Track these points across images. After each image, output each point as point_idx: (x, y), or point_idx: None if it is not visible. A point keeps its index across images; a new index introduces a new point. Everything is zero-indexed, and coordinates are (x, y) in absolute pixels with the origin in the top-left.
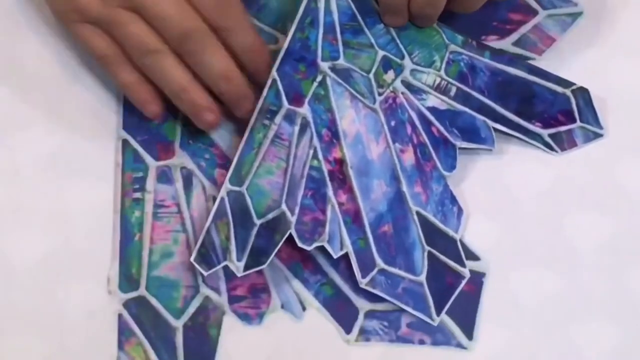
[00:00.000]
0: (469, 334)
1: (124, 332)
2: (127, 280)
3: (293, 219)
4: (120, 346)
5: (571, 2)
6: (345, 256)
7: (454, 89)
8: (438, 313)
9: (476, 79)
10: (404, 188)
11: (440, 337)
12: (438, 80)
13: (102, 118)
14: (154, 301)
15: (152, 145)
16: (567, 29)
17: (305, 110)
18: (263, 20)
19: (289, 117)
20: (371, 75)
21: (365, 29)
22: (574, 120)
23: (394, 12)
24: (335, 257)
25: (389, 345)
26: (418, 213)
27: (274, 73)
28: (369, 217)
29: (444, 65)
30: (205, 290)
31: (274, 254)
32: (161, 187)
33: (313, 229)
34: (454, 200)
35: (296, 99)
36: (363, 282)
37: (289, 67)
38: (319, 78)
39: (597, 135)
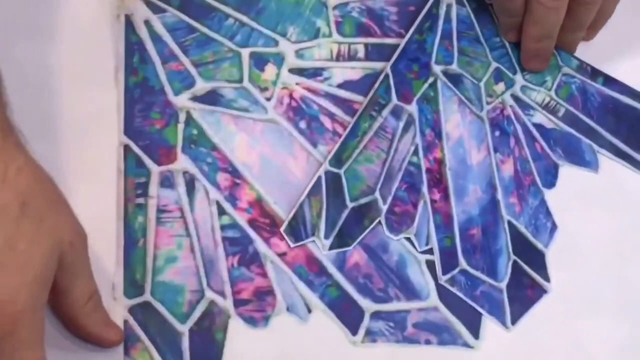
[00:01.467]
0: (475, 333)
1: (129, 338)
2: (132, 286)
3: (384, 207)
4: (127, 352)
5: None
6: (352, 258)
7: (562, 110)
8: (513, 322)
9: (586, 103)
10: (499, 196)
11: (446, 337)
12: (548, 99)
13: (104, 123)
14: (159, 306)
15: (154, 150)
16: None
17: (412, 108)
18: (262, 24)
19: (396, 112)
20: (482, 84)
21: (482, 39)
22: None
23: (538, 58)
24: (419, 250)
25: (395, 346)
26: (510, 223)
27: (388, 69)
28: (459, 219)
29: (555, 86)
30: (210, 295)
31: (360, 238)
32: (164, 192)
33: (402, 221)
34: (548, 215)
35: (405, 96)
36: (443, 279)
37: (403, 65)
38: (431, 80)
39: None
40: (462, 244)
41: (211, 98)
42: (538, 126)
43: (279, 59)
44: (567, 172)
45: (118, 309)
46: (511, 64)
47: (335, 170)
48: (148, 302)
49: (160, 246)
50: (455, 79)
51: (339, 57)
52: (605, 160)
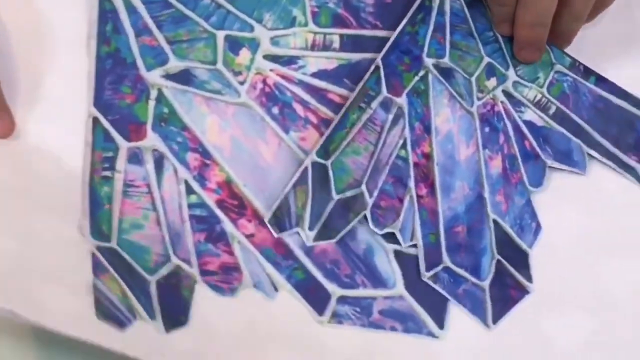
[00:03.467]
0: (440, 324)
1: (98, 267)
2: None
3: (370, 201)
4: (96, 275)
5: None
6: (320, 244)
7: (553, 108)
8: (494, 321)
9: (577, 102)
10: (486, 194)
11: (411, 325)
12: (539, 96)
13: (74, 94)
14: (126, 256)
15: (123, 125)
16: None
17: (402, 100)
18: (238, 7)
19: (385, 105)
20: (473, 79)
21: (475, 34)
22: None
23: (530, 47)
24: (403, 245)
25: (361, 329)
26: (495, 221)
27: (379, 60)
28: (445, 215)
29: (547, 83)
30: (176, 261)
31: (345, 231)
32: (131, 167)
33: (387, 215)
34: (534, 215)
35: (395, 89)
36: (426, 275)
37: (394, 57)
38: (422, 73)
39: None
40: (446, 241)
41: (184, 77)
42: (528, 123)
43: (254, 45)
44: (555, 172)
45: (85, 244)
46: (504, 60)
47: (322, 161)
48: (114, 249)
49: (126, 214)
50: (446, 73)
51: (314, 47)
52: (594, 161)
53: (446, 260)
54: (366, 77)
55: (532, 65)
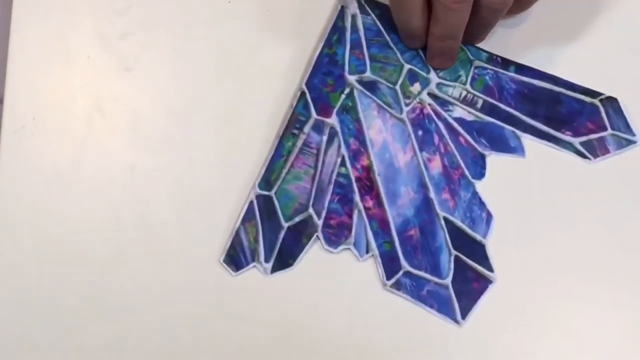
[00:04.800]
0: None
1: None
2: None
3: (320, 222)
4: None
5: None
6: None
7: (480, 102)
8: (463, 316)
9: (502, 92)
10: (432, 195)
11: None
12: (464, 93)
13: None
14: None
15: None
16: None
17: (333, 120)
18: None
19: (318, 127)
20: (397, 87)
21: (392, 44)
22: (604, 129)
23: (442, 56)
24: (360, 260)
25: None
26: (445, 219)
27: (303, 86)
28: (395, 222)
29: (469, 80)
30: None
31: (301, 256)
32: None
33: (339, 232)
34: (482, 206)
35: (324, 110)
36: (387, 284)
37: (318, 80)
38: (347, 90)
39: (630, 142)
40: (401, 247)
41: (371, 86)
42: (459, 120)
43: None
44: (495, 161)
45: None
46: (424, 64)
47: (265, 193)
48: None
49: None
50: (370, 86)
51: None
52: (530, 143)
53: (405, 265)
54: (293, 103)
55: (451, 67)
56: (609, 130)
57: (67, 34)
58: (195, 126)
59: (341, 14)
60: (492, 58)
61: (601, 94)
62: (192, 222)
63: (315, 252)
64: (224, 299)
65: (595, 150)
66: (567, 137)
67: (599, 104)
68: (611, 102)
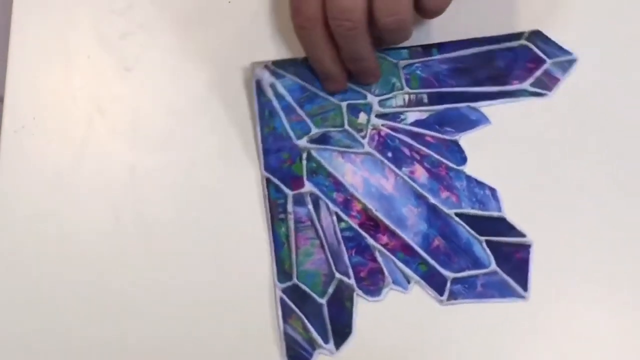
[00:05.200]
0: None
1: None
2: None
3: (352, 281)
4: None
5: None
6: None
7: (425, 96)
8: (525, 288)
9: (439, 77)
10: (432, 200)
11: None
12: (406, 97)
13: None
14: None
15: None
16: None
17: (308, 188)
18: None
19: (299, 201)
20: (346, 127)
21: (319, 93)
22: (543, 62)
23: (365, 75)
24: (407, 292)
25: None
26: (457, 214)
27: (264, 173)
28: (416, 242)
29: (404, 82)
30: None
31: (354, 319)
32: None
33: (374, 280)
34: (482, 185)
35: (296, 183)
36: (444, 300)
37: (274, 161)
38: (304, 155)
39: (572, 62)
40: (435, 260)
41: (323, 139)
42: (416, 123)
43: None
44: (469, 140)
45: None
46: (357, 94)
47: (289, 284)
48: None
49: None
50: (323, 140)
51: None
52: (489, 109)
53: (448, 274)
54: (265, 192)
55: (382, 78)
56: (549, 61)
57: (67, 34)
58: (195, 126)
59: (259, 88)
60: (413, 51)
61: (523, 32)
62: (192, 222)
63: (364, 307)
64: (224, 299)
65: (546, 84)
66: (516, 86)
67: (527, 42)
68: (536, 36)
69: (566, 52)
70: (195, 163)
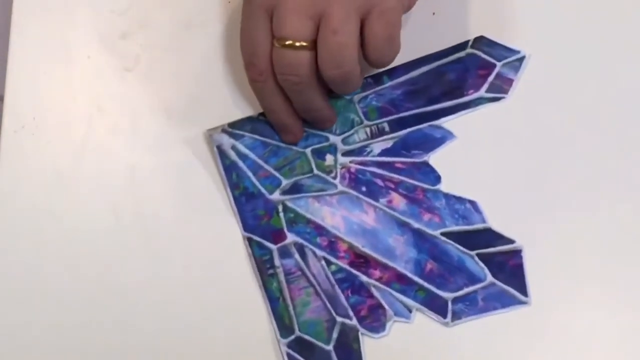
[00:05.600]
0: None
1: None
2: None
3: (354, 322)
4: None
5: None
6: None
7: (386, 125)
8: (525, 294)
9: (394, 103)
10: (416, 225)
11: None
12: (368, 130)
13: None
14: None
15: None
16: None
17: (291, 238)
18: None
19: (284, 253)
20: (315, 172)
21: (281, 144)
22: (494, 66)
23: (322, 122)
24: (411, 321)
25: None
26: (443, 233)
27: (244, 234)
28: (409, 270)
29: (362, 116)
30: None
31: (364, 358)
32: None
33: (376, 316)
34: (461, 200)
35: (277, 237)
36: (449, 322)
37: (251, 220)
38: (280, 208)
39: (521, 59)
40: (431, 284)
41: (295, 189)
42: (383, 153)
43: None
44: (438, 158)
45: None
46: (318, 137)
47: (292, 337)
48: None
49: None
50: (295, 189)
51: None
52: (451, 123)
53: (447, 296)
54: (250, 252)
55: (340, 116)
56: (499, 64)
57: (67, 34)
58: (195, 126)
59: (221, 153)
60: (364, 83)
61: (467, 41)
62: (192, 222)
63: (372, 345)
64: (223, 298)
65: (501, 87)
66: (472, 95)
67: (473, 50)
68: (481, 41)
69: (514, 52)
70: (195, 163)
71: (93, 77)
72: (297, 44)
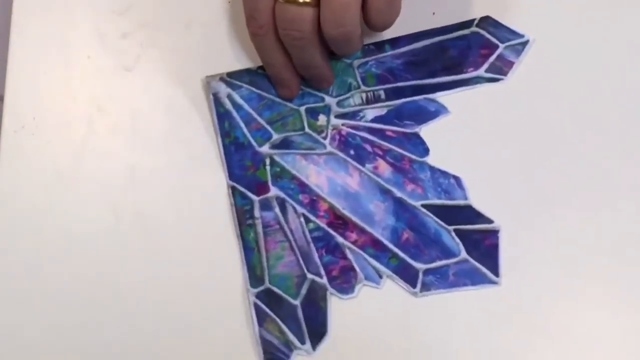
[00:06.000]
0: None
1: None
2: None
3: (324, 280)
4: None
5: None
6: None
7: (382, 93)
8: (497, 274)
9: (394, 72)
10: (398, 194)
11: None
12: (364, 95)
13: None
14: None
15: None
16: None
17: (274, 192)
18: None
19: (265, 206)
20: (307, 130)
21: (277, 99)
22: (496, 47)
23: (319, 81)
24: (380, 287)
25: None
26: (424, 205)
27: (229, 182)
28: (385, 236)
29: (360, 81)
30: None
31: (329, 319)
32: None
33: (347, 277)
34: (445, 175)
35: (261, 189)
36: (417, 292)
37: (238, 169)
38: (268, 161)
39: (525, 44)
40: (405, 253)
41: (285, 144)
42: (376, 119)
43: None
44: (430, 131)
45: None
46: (315, 97)
47: (261, 288)
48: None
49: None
50: (285, 144)
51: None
52: (447, 98)
53: (419, 266)
54: (231, 200)
55: (338, 79)
56: (501, 46)
57: (67, 34)
58: (195, 126)
59: (217, 100)
60: (366, 49)
61: (474, 20)
62: (192, 222)
63: (339, 306)
64: (223, 298)
65: (501, 69)
66: (471, 73)
67: (478, 29)
68: (487, 21)
69: (518, 35)
70: (195, 163)
71: (93, 77)
72: (301, 0)
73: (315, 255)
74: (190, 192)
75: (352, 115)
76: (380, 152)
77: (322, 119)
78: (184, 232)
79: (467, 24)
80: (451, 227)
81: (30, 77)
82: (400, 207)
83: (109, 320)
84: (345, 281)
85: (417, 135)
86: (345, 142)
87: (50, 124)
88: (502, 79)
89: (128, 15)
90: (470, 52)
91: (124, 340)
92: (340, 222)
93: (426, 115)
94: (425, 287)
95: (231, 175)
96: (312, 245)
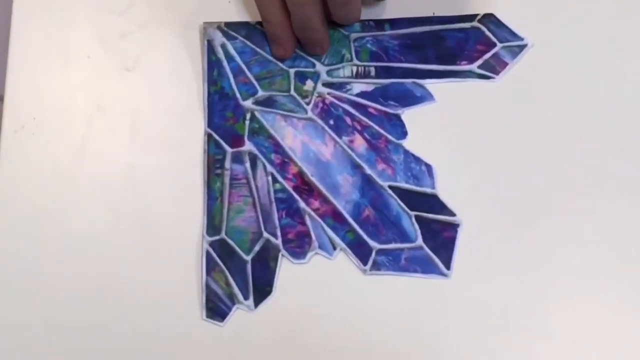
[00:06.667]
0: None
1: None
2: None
3: (279, 241)
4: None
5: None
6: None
7: (372, 69)
8: (448, 267)
9: (388, 52)
10: (368, 171)
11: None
12: (355, 68)
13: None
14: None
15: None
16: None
17: (248, 147)
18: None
19: (237, 159)
20: (292, 92)
21: (269, 57)
22: (494, 45)
23: (312, 45)
24: (332, 258)
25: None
26: (391, 187)
27: (207, 129)
28: (347, 210)
29: (353, 54)
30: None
31: (275, 279)
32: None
33: (301, 243)
34: (418, 161)
35: (236, 141)
36: (367, 269)
37: (218, 118)
38: (248, 116)
39: (522, 47)
40: (363, 230)
41: (268, 102)
42: (361, 94)
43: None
44: (411, 115)
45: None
46: (307, 61)
47: (216, 237)
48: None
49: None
50: (268, 103)
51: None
52: (435, 86)
53: (374, 245)
54: (205, 147)
55: (333, 48)
56: (499, 45)
57: (67, 34)
58: (195, 126)
59: (210, 48)
60: (365, 25)
61: (476, 15)
62: (192, 222)
63: (288, 269)
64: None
65: (494, 67)
66: (464, 66)
67: (479, 24)
68: (489, 19)
69: (518, 37)
70: (195, 163)
71: (93, 77)
72: None
73: (275, 216)
74: (190, 192)
75: (339, 86)
76: (358, 127)
77: (309, 84)
78: (184, 232)
79: (469, 17)
80: (413, 213)
81: (30, 77)
82: (367, 184)
83: (109, 320)
84: (298, 246)
85: (398, 117)
86: (326, 111)
87: (50, 124)
88: (493, 78)
89: (128, 16)
90: (467, 45)
91: (123, 340)
92: (305, 188)
93: (411, 99)
94: (376, 267)
95: (210, 123)
96: (274, 205)
